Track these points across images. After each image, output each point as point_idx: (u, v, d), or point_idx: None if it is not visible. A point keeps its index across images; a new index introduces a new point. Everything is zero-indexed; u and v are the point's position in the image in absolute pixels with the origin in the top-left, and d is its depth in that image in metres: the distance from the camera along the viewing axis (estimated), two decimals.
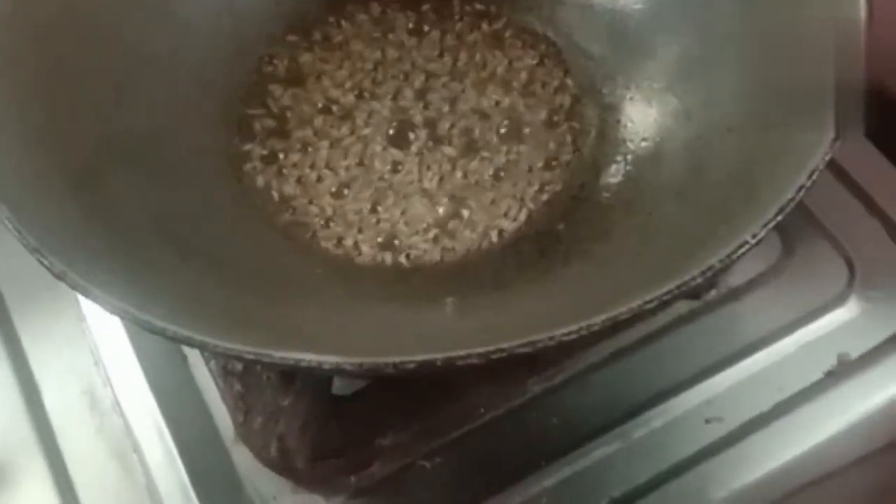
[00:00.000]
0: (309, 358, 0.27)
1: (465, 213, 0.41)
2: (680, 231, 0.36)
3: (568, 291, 0.36)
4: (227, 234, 0.38)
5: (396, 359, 0.27)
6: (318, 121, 0.43)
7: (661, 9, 0.42)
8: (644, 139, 0.41)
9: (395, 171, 0.42)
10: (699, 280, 0.29)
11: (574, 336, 0.28)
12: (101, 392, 0.42)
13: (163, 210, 0.37)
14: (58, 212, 0.32)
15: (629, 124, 0.42)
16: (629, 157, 0.41)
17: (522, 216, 0.41)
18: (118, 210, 0.35)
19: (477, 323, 0.34)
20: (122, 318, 0.28)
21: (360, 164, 0.42)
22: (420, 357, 0.27)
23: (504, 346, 0.27)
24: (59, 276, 0.29)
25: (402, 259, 0.40)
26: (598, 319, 0.28)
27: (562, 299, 0.35)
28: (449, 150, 0.43)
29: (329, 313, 0.34)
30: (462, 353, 0.27)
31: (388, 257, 0.40)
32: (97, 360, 0.42)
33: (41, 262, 0.30)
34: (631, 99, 0.43)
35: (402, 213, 0.41)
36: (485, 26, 0.46)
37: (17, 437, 0.42)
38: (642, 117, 0.42)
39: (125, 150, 0.38)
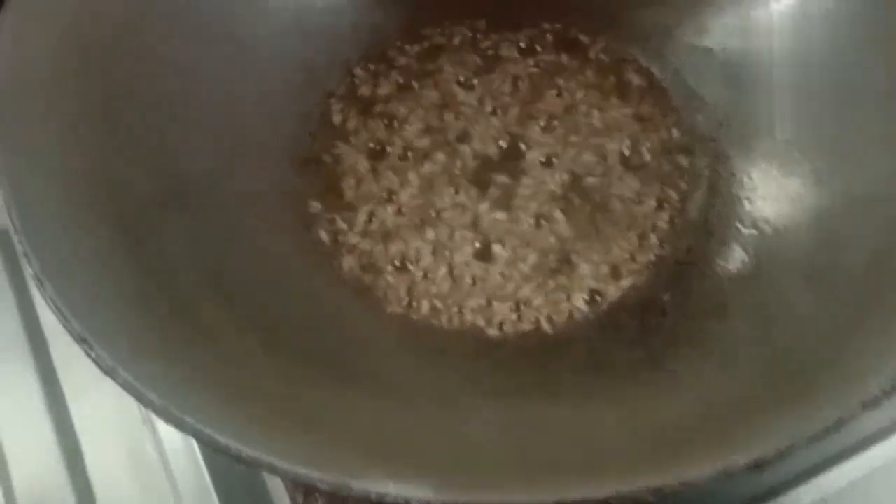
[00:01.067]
0: (394, 493, 0.23)
1: (557, 276, 0.36)
2: (813, 324, 0.31)
3: (681, 385, 0.31)
4: (289, 296, 0.34)
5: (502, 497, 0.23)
6: (393, 163, 0.39)
7: (789, 53, 0.37)
8: (763, 199, 0.36)
9: (477, 225, 0.37)
10: (858, 413, 0.24)
11: (711, 476, 0.23)
12: (148, 452, 0.38)
13: (218, 266, 0.33)
14: (107, 285, 0.28)
15: (746, 180, 0.37)
16: (745, 219, 0.36)
17: (622, 282, 0.36)
18: (171, 271, 0.31)
19: (578, 428, 0.29)
20: (182, 431, 0.24)
21: (439, 216, 0.38)
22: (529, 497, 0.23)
23: (624, 489, 0.23)
24: (108, 373, 0.25)
25: (481, 323, 0.36)
26: (740, 461, 0.23)
27: (674, 396, 0.31)
28: (539, 205, 0.38)
29: (410, 410, 0.30)
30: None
31: (468, 323, 0.35)
32: (145, 418, 0.39)
33: (88, 355, 0.26)
34: (748, 151, 0.38)
35: (484, 273, 0.36)
36: (581, 58, 0.41)
37: (57, 496, 0.38)
38: (761, 174, 0.37)
39: (180, 198, 0.34)
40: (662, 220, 0.37)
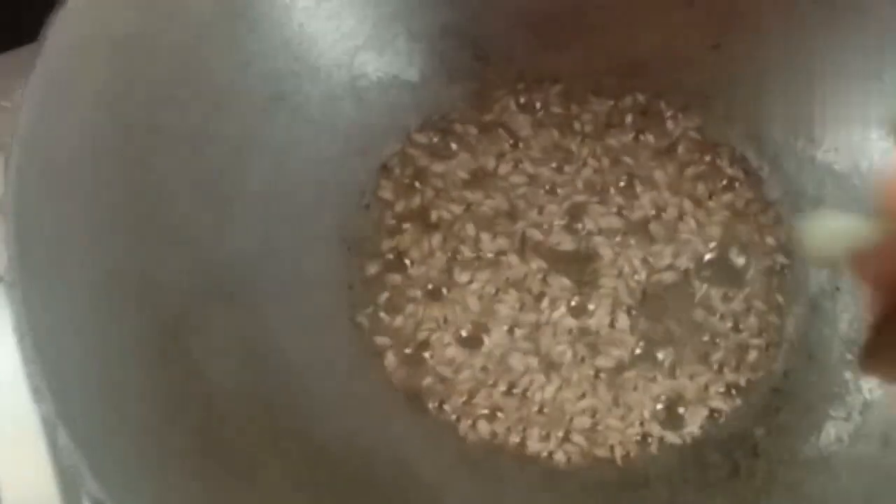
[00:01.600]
0: None
1: (634, 400, 0.32)
2: None
3: None
4: (335, 414, 0.30)
5: None
6: (450, 256, 0.34)
7: None
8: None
9: (544, 335, 0.33)
10: None
11: None
12: None
13: (259, 389, 0.29)
14: (129, 421, 0.24)
15: (851, 297, 0.33)
16: (851, 346, 0.32)
17: (707, 411, 0.32)
18: (206, 394, 0.27)
19: None
20: None
21: (506, 326, 0.33)
22: None
23: None
24: None
25: (542, 447, 0.31)
26: None
27: None
28: (610, 315, 0.33)
29: None
30: None
31: (534, 450, 0.31)
32: None
33: None
34: None
35: (556, 392, 0.32)
36: (666, 137, 0.36)
37: None
38: None
39: (221, 292, 0.30)
40: (755, 338, 0.33)
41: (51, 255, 0.26)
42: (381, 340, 0.33)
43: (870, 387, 0.31)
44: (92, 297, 0.26)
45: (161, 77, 0.31)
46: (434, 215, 0.35)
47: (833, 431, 0.30)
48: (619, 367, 0.32)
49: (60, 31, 0.28)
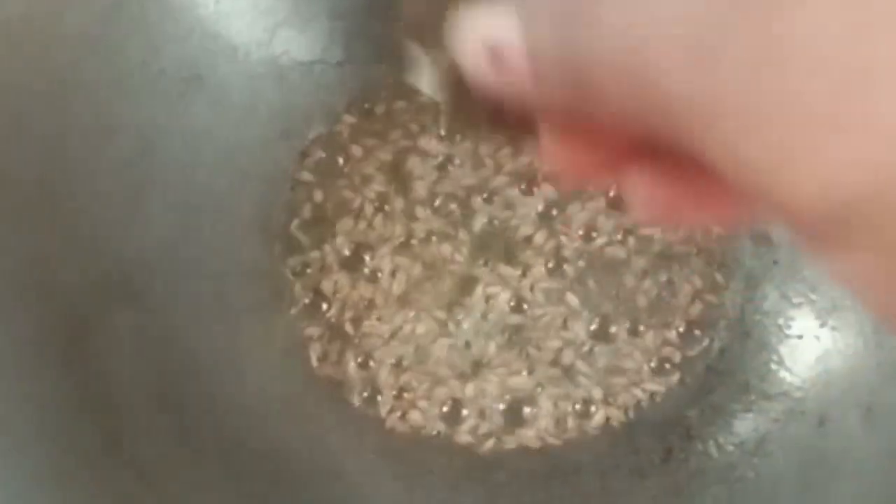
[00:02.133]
0: None
1: (564, 384, 0.31)
2: (873, 473, 0.26)
3: None
4: (255, 408, 0.29)
5: None
6: (374, 241, 0.33)
7: None
8: (813, 293, 0.31)
9: (470, 321, 0.32)
10: None
11: None
12: None
13: (167, 378, 0.28)
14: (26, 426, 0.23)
15: (794, 266, 0.32)
16: (789, 323, 0.31)
17: (640, 392, 0.31)
18: (109, 389, 0.26)
19: None
20: None
21: (432, 312, 0.32)
22: None
23: None
24: None
25: (470, 437, 0.30)
26: None
27: None
28: (547, 296, 0.32)
29: None
30: None
31: (461, 441, 0.30)
32: None
33: None
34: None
35: (482, 381, 0.31)
36: None
37: None
38: (811, 263, 0.31)
39: (128, 288, 0.29)
40: (692, 315, 0.32)
41: None
42: (305, 331, 0.32)
43: (808, 364, 0.30)
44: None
45: (63, 62, 0.30)
46: (358, 199, 0.33)
47: (768, 411, 0.29)
48: (550, 353, 0.31)
49: None
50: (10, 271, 0.26)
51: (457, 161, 0.34)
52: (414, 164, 0.34)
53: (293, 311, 0.32)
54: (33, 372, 0.25)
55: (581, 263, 0.32)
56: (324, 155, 0.34)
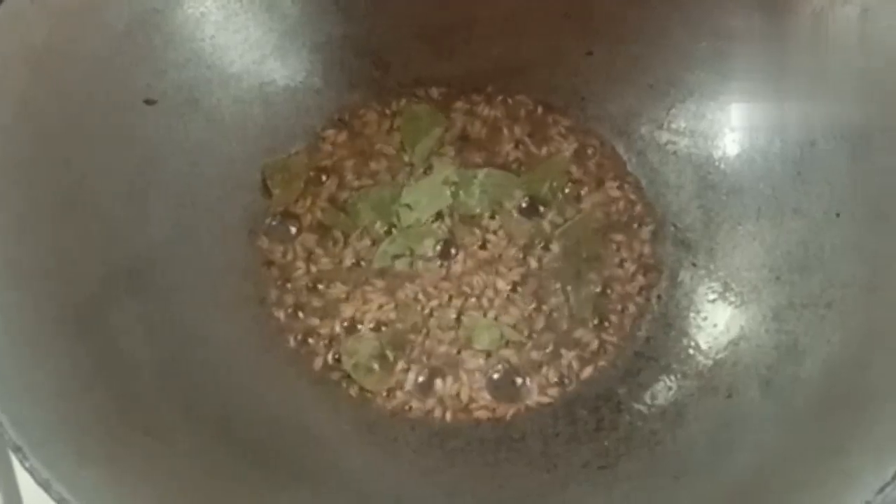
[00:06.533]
0: None
1: (511, 359, 0.36)
2: (771, 436, 0.31)
3: (633, 489, 0.31)
4: (244, 382, 0.33)
5: None
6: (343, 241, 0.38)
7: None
8: (726, 290, 0.36)
9: (431, 298, 0.37)
10: None
11: None
12: None
13: (171, 355, 0.32)
14: (48, 385, 0.27)
15: (709, 268, 0.37)
16: (705, 314, 0.36)
17: (578, 369, 0.36)
18: (121, 362, 0.30)
19: None
20: None
21: (394, 295, 0.37)
22: None
23: None
24: (43, 486, 0.25)
25: (435, 408, 0.35)
26: None
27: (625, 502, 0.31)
28: (496, 281, 0.37)
29: None
30: None
31: (420, 405, 0.35)
32: None
33: (22, 465, 0.25)
34: (711, 240, 0.37)
35: (435, 351, 0.36)
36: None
37: None
38: (724, 265, 0.37)
39: (136, 277, 0.33)
40: (626, 309, 0.37)
41: None
42: (285, 319, 0.36)
43: (719, 348, 0.35)
44: (13, 276, 0.29)
45: (79, 85, 0.34)
46: (339, 198, 0.38)
47: (686, 388, 0.34)
48: (502, 330, 0.36)
49: None
50: (37, 259, 0.30)
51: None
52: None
53: (272, 296, 0.37)
54: (54, 342, 0.29)
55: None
56: (302, 164, 0.39)
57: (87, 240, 0.32)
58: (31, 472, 0.25)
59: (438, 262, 0.38)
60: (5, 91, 0.31)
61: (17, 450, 0.25)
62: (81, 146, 0.33)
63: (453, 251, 0.38)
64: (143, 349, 0.31)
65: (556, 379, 0.36)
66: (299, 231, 0.38)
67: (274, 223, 0.38)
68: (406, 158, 0.40)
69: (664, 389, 0.35)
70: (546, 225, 0.38)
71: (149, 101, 0.36)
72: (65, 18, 0.34)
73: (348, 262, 0.38)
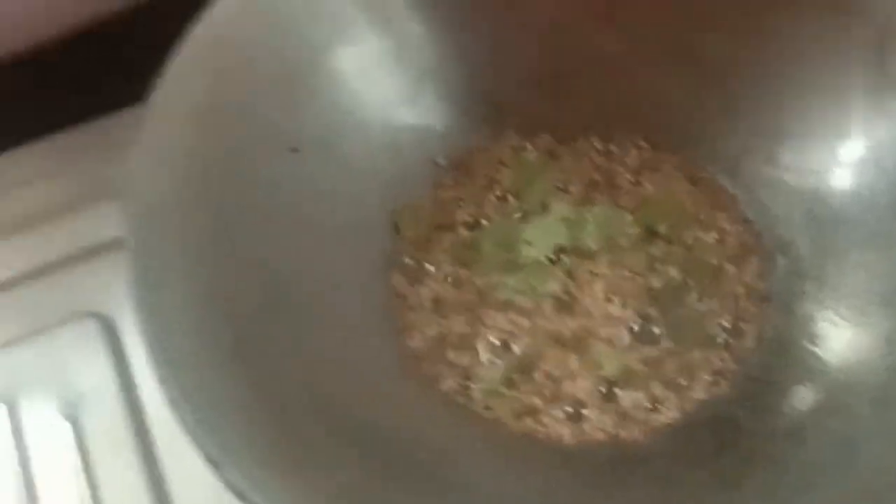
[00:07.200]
0: None
1: (632, 383, 0.38)
2: (890, 452, 0.32)
3: None
4: (380, 405, 0.36)
5: None
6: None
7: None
8: (837, 317, 0.38)
9: (553, 328, 0.40)
10: None
11: None
12: None
13: (312, 377, 0.35)
14: (232, 408, 0.31)
15: (818, 296, 0.39)
16: (817, 340, 0.38)
17: (697, 393, 0.38)
18: (275, 383, 0.34)
19: None
20: None
21: (518, 325, 0.40)
22: None
23: None
24: (239, 496, 0.28)
25: (563, 431, 0.37)
26: None
27: None
28: (615, 311, 0.40)
29: None
30: None
31: (547, 429, 0.37)
32: None
33: (219, 478, 0.28)
34: (821, 269, 0.39)
35: (560, 377, 0.38)
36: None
37: None
38: (834, 293, 0.39)
39: (284, 310, 0.36)
40: (740, 335, 0.39)
41: (160, 277, 0.32)
42: (417, 348, 0.39)
43: (831, 372, 0.37)
44: (188, 306, 0.32)
45: (234, 134, 0.38)
46: (464, 236, 0.41)
47: (801, 409, 0.36)
48: (625, 358, 0.38)
49: (160, 98, 0.35)
50: (201, 285, 0.34)
51: None
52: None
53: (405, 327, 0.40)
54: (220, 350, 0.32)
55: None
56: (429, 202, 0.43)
57: (244, 269, 0.36)
58: (228, 483, 0.28)
59: (558, 296, 0.40)
60: (175, 148, 0.35)
61: (215, 464, 0.28)
62: (238, 189, 0.37)
63: (572, 285, 0.41)
64: (294, 372, 0.34)
65: (675, 402, 0.38)
66: (428, 267, 0.41)
67: (406, 261, 0.41)
68: (523, 199, 0.43)
69: (781, 412, 0.36)
70: (660, 258, 0.41)
71: (293, 150, 0.40)
72: (221, 75, 0.38)
73: (474, 295, 0.40)
